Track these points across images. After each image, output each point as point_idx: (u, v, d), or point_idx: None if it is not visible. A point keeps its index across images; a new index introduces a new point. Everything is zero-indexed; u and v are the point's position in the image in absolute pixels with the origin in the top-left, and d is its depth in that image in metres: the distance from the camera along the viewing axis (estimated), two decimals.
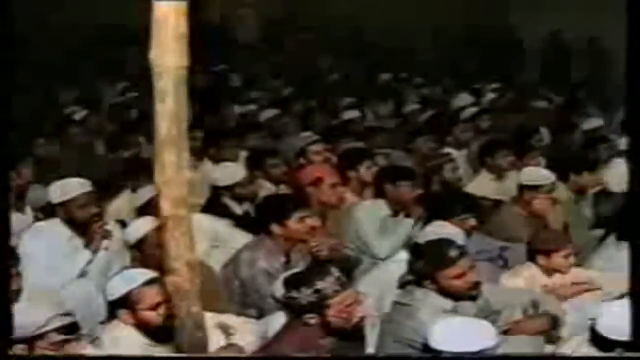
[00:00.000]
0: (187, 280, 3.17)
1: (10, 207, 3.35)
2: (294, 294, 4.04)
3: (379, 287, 4.94)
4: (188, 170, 3.13)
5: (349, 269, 5.31)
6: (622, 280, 5.11)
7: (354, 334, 4.05)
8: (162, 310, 3.91)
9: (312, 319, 4.01)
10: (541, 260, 5.13)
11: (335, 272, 4.08)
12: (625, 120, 3.46)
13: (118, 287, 4.12)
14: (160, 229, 3.20)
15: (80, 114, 9.44)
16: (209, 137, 7.87)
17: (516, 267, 5.31)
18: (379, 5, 18.31)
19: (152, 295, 3.98)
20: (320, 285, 4.00)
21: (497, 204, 6.50)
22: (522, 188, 6.22)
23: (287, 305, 4.14)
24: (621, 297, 4.76)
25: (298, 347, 3.94)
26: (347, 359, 4.02)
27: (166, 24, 3.01)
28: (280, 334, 4.12)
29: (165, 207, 3.11)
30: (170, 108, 3.05)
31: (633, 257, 3.41)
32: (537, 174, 6.33)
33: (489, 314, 4.48)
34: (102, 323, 4.58)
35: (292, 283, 4.12)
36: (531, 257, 5.20)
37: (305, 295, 4.00)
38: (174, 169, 3.07)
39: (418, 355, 4.05)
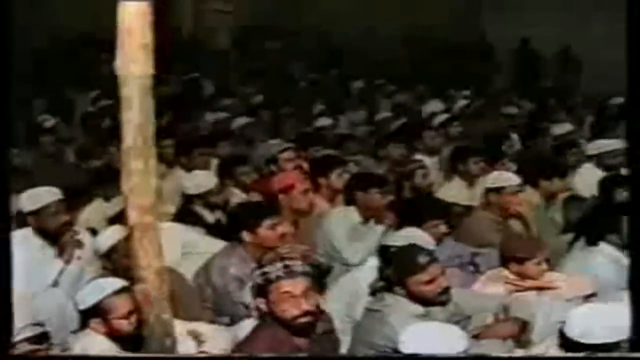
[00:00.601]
0: (155, 288, 3.18)
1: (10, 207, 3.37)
2: (252, 275, 4.14)
3: (350, 293, 4.96)
4: (155, 178, 3.13)
5: (320, 276, 5.33)
6: (589, 283, 5.20)
7: (303, 330, 4.01)
8: (133, 319, 3.91)
9: (262, 304, 4.02)
10: (513, 266, 5.16)
11: (289, 262, 4.11)
12: (626, 122, 3.49)
13: (88, 296, 4.11)
14: (128, 237, 3.21)
15: (50, 122, 9.41)
16: (180, 145, 7.87)
17: (487, 272, 5.35)
18: (351, 12, 18.38)
19: (123, 303, 3.98)
20: (267, 268, 4.05)
21: (468, 209, 6.55)
22: (487, 192, 6.28)
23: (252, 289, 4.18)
24: (588, 300, 4.84)
25: (269, 346, 3.94)
26: (345, 359, 4.02)
27: (130, 33, 3.03)
28: (251, 334, 4.13)
29: (133, 215, 3.12)
30: (135, 116, 3.07)
31: (633, 257, 3.44)
32: (501, 176, 6.39)
33: (460, 319, 4.51)
34: (75, 332, 4.57)
35: (255, 267, 4.23)
36: (504, 262, 5.23)
37: (256, 276, 4.07)
38: (141, 176, 3.08)
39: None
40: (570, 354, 3.85)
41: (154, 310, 3.22)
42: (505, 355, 4.33)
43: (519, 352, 4.54)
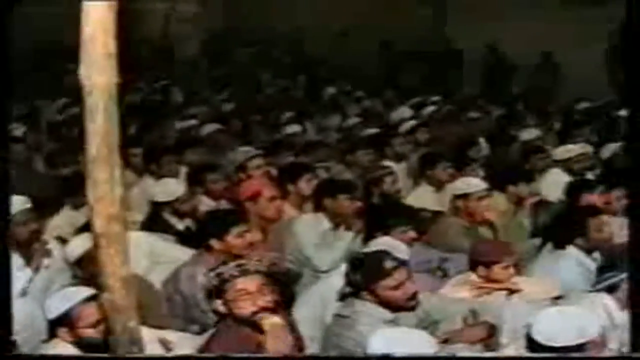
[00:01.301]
0: (122, 296, 3.19)
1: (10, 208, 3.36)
2: (205, 279, 4.21)
3: (319, 300, 4.98)
4: (121, 187, 3.14)
5: (290, 283, 5.34)
6: (557, 287, 5.25)
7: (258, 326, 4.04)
8: (100, 327, 3.90)
9: (220, 306, 4.08)
10: (481, 270, 5.20)
11: (242, 261, 4.19)
12: (627, 123, 3.53)
13: (56, 305, 4.11)
14: (94, 246, 3.21)
15: (19, 130, 9.35)
16: (149, 153, 7.85)
17: (456, 277, 5.38)
18: (320, 19, 18.42)
19: (91, 312, 3.98)
20: (221, 269, 4.11)
21: (437, 215, 6.58)
22: (455, 198, 6.32)
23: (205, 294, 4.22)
24: (556, 303, 4.89)
25: (232, 345, 3.96)
26: (343, 359, 4.03)
27: (94, 42, 3.03)
28: (212, 336, 4.15)
29: (99, 224, 3.13)
30: (100, 125, 3.08)
31: (633, 257, 3.47)
32: (467, 182, 6.44)
33: (429, 324, 4.53)
34: (44, 342, 4.55)
35: (207, 271, 4.26)
36: (472, 267, 5.27)
37: (210, 278, 4.12)
38: (106, 185, 3.09)
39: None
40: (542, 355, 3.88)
41: (120, 318, 3.23)
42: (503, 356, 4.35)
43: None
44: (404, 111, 10.86)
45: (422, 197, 6.75)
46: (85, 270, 4.90)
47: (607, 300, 4.67)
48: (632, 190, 3.45)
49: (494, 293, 5.13)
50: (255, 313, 4.01)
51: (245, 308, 4.02)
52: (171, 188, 6.34)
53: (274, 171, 7.06)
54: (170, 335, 4.45)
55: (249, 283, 4.06)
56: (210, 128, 9.42)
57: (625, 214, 3.55)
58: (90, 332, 3.99)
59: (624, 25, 3.37)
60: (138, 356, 3.76)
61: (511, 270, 5.21)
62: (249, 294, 4.03)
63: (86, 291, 4.09)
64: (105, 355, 3.84)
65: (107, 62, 3.05)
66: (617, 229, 6.04)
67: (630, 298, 3.62)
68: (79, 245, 5.03)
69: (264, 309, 4.03)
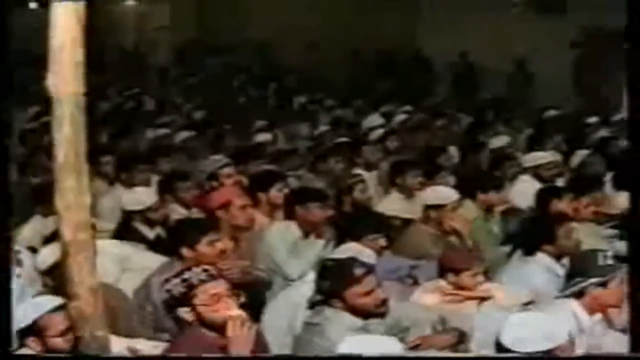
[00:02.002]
0: (90, 305, 3.19)
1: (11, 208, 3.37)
2: (168, 287, 4.14)
3: (290, 307, 4.99)
4: (89, 195, 3.15)
5: (261, 291, 5.36)
6: (526, 293, 5.29)
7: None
8: (69, 336, 3.90)
9: (187, 313, 4.06)
10: (451, 277, 5.23)
11: (207, 267, 4.18)
12: (628, 126, 3.57)
13: (25, 315, 4.10)
14: (62, 255, 3.22)
15: None
16: (121, 161, 7.84)
17: (425, 284, 5.41)
18: (290, 28, 18.45)
19: (59, 321, 3.97)
20: (187, 275, 4.10)
21: (407, 222, 6.61)
22: (427, 208, 6.35)
23: (166, 302, 4.19)
24: (525, 309, 4.92)
25: (199, 351, 3.97)
26: (342, 358, 4.05)
27: (62, 52, 3.04)
28: (176, 342, 4.15)
29: (67, 232, 3.14)
30: (67, 134, 3.09)
31: (633, 258, 3.50)
32: (440, 193, 6.47)
33: (399, 331, 4.55)
34: (14, 351, 4.53)
35: (166, 279, 4.22)
36: (441, 274, 5.30)
37: (174, 285, 4.09)
38: (74, 194, 3.10)
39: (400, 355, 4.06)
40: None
41: (88, 327, 3.23)
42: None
43: None
44: (375, 119, 10.92)
45: (392, 205, 6.78)
46: (56, 279, 4.88)
47: (575, 305, 4.71)
48: (633, 192, 3.49)
49: (465, 301, 5.16)
50: (225, 318, 4.02)
51: (218, 312, 4.02)
52: (142, 197, 6.34)
53: (245, 180, 7.06)
54: (141, 344, 4.45)
55: (220, 287, 4.08)
56: (183, 135, 9.42)
57: (626, 214, 3.60)
58: (58, 341, 3.98)
59: (626, 27, 3.40)
60: (138, 356, 3.78)
61: (480, 277, 5.24)
62: (221, 297, 4.04)
63: (55, 300, 4.09)
64: (105, 355, 3.85)
65: (74, 72, 3.06)
66: (585, 235, 6.12)
67: (630, 298, 3.65)
68: (50, 254, 5.01)
69: (232, 316, 4.04)
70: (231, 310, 4.03)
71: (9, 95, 3.31)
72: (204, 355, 3.97)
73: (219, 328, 4.03)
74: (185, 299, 4.06)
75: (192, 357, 4.01)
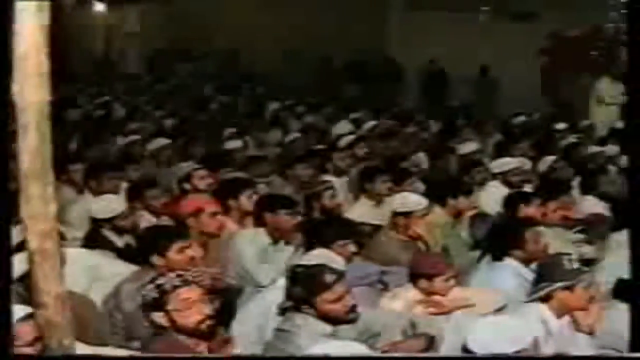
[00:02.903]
0: (56, 314, 3.18)
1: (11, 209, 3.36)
2: (143, 292, 4.17)
3: (260, 314, 4.99)
4: (54, 204, 3.15)
5: (231, 298, 5.36)
6: (495, 298, 5.32)
7: (206, 335, 4.08)
8: (38, 345, 3.89)
9: (161, 318, 4.08)
10: (422, 283, 5.25)
11: (181, 272, 4.20)
12: (626, 128, 3.62)
13: None
14: (28, 263, 3.22)
15: None
16: (90, 169, 7.81)
17: (395, 290, 5.43)
18: (262, 35, 18.46)
19: (27, 330, 3.95)
20: (161, 280, 4.12)
21: (377, 228, 6.63)
22: (396, 214, 6.38)
23: (142, 306, 4.21)
24: (495, 314, 4.96)
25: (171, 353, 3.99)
26: (341, 359, 4.05)
27: (27, 60, 3.04)
28: (152, 346, 4.16)
29: (32, 240, 3.14)
30: (32, 142, 3.08)
31: (633, 258, 3.53)
32: (409, 199, 6.49)
33: (369, 337, 4.56)
34: None
35: (143, 284, 4.24)
36: (413, 280, 5.32)
37: (148, 290, 4.12)
38: (39, 202, 3.10)
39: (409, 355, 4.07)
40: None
41: (56, 335, 3.23)
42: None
43: None
44: (344, 126, 10.96)
45: (361, 211, 6.80)
46: (27, 288, 4.85)
47: (543, 309, 4.76)
48: (633, 192, 3.51)
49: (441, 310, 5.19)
50: (201, 322, 4.05)
51: (191, 317, 4.04)
52: (111, 204, 6.32)
53: (214, 186, 7.06)
54: (111, 352, 4.43)
55: (193, 292, 4.09)
56: (154, 143, 9.40)
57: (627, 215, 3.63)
58: (27, 351, 3.97)
59: (627, 31, 3.42)
60: (138, 355, 3.77)
61: (452, 282, 5.27)
62: (194, 302, 4.06)
63: (23, 309, 4.07)
64: (109, 355, 3.85)
65: (39, 80, 3.05)
66: (553, 239, 6.17)
67: (630, 298, 3.67)
68: (20, 263, 4.98)
69: (209, 317, 4.07)
70: (204, 315, 4.04)
71: None
72: (204, 355, 3.98)
73: (192, 333, 4.04)
74: (159, 304, 4.08)
75: (192, 357, 4.00)
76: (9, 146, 3.23)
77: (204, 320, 4.06)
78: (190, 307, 4.05)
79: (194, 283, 4.16)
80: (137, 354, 4.04)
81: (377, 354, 4.39)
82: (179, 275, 4.15)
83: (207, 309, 4.09)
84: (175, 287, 4.08)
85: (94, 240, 6.12)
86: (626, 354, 3.75)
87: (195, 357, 4.00)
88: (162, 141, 9.44)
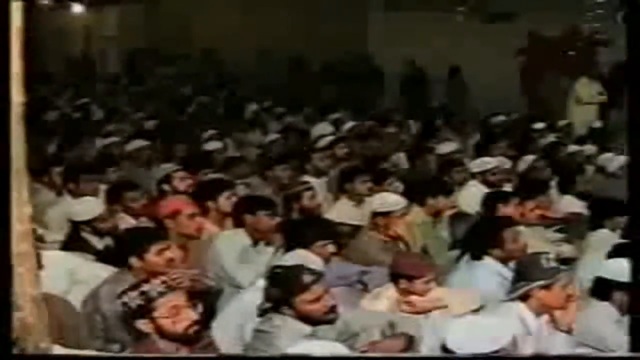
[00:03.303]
0: (33, 316, 3.18)
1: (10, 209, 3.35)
2: (124, 299, 4.12)
3: (240, 315, 4.99)
4: (29, 206, 3.14)
5: (211, 299, 5.35)
6: (474, 297, 5.34)
7: (192, 340, 4.09)
8: (15, 348, 3.87)
9: (145, 325, 4.06)
10: (403, 284, 5.25)
11: (163, 277, 4.19)
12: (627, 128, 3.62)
13: None
14: None
15: None
16: (69, 172, 7.78)
17: (375, 290, 5.44)
18: (241, 36, 18.45)
19: None
20: (145, 287, 4.10)
21: (356, 229, 6.64)
22: (375, 214, 6.40)
23: (123, 314, 4.18)
24: (474, 313, 4.98)
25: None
26: (342, 359, 4.05)
27: None
28: (135, 349, 4.14)
29: None
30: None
31: (633, 258, 3.53)
32: (388, 199, 6.51)
33: (348, 337, 4.57)
34: None
35: (123, 291, 4.20)
36: (393, 280, 5.33)
37: (132, 298, 4.08)
38: (15, 204, 3.09)
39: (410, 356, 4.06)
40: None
41: (32, 338, 3.22)
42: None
43: None
44: (324, 127, 10.97)
45: (341, 212, 6.80)
46: None
47: (522, 308, 4.78)
48: (632, 191, 3.52)
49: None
50: (188, 327, 4.05)
51: (179, 323, 4.04)
52: (90, 207, 6.30)
53: (193, 188, 7.05)
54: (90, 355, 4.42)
55: (179, 299, 4.09)
56: (133, 145, 9.37)
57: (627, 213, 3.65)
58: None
59: (628, 33, 3.44)
60: (138, 356, 3.76)
61: (432, 284, 5.28)
62: (180, 309, 4.06)
63: None
64: (106, 354, 3.83)
65: (14, 82, 3.04)
66: (531, 238, 6.20)
67: (630, 298, 3.68)
68: None
69: (196, 322, 4.08)
70: (191, 321, 4.05)
71: None
72: (203, 355, 3.97)
73: (178, 339, 4.04)
74: (144, 311, 4.06)
75: (191, 357, 3.99)
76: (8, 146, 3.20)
77: (191, 325, 4.06)
78: (178, 314, 4.04)
79: (177, 288, 4.16)
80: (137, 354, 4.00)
81: (357, 354, 4.40)
82: (163, 282, 4.13)
83: (194, 315, 4.10)
84: (161, 294, 4.06)
85: (73, 242, 6.10)
86: (626, 354, 3.76)
87: (194, 357, 3.99)
88: (140, 142, 9.41)
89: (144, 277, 4.39)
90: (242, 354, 4.15)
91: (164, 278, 4.19)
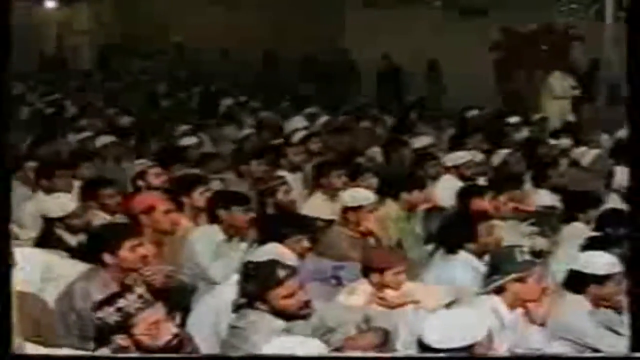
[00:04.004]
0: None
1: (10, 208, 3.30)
2: (100, 315, 4.04)
3: (214, 311, 4.97)
4: None
5: (185, 295, 5.33)
6: (449, 292, 5.35)
7: (168, 353, 4.04)
8: None
9: (123, 340, 4.00)
10: (374, 277, 5.27)
11: (139, 290, 4.10)
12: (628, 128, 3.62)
13: None
14: None
15: None
16: (42, 168, 7.73)
17: (349, 285, 5.44)
18: (215, 31, 18.41)
19: None
20: (121, 303, 4.01)
21: (331, 224, 6.64)
22: (346, 209, 6.40)
23: (99, 328, 4.11)
24: (448, 307, 4.99)
25: None
26: (345, 359, 4.02)
27: None
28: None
29: None
30: None
31: (633, 259, 3.54)
32: (358, 194, 6.52)
33: (324, 332, 4.57)
34: None
35: (98, 304, 4.12)
36: (365, 274, 5.34)
37: (108, 314, 4.00)
38: None
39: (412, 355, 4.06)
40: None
41: None
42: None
43: None
44: (299, 121, 10.95)
45: (316, 207, 6.81)
46: None
47: (496, 301, 4.80)
48: (632, 190, 3.53)
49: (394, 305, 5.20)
50: (169, 341, 3.99)
51: (160, 338, 3.98)
52: (63, 203, 6.24)
53: (167, 183, 7.02)
54: (63, 352, 4.39)
55: (158, 313, 4.02)
56: (103, 140, 9.32)
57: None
58: None
59: (628, 31, 3.44)
60: (138, 356, 3.72)
61: (403, 275, 5.29)
62: (160, 323, 3.99)
63: None
64: (107, 355, 3.79)
65: None
66: (504, 232, 6.22)
67: (630, 298, 3.69)
68: None
69: (176, 336, 4.03)
70: (172, 335, 4.00)
71: None
72: (202, 354, 3.93)
73: (159, 352, 3.99)
74: (122, 327, 3.98)
75: (190, 357, 3.98)
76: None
77: (172, 339, 4.00)
78: (158, 329, 3.97)
79: (156, 301, 4.07)
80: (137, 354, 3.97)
81: (334, 353, 4.39)
82: (140, 297, 4.03)
83: (174, 328, 4.03)
84: (139, 310, 3.98)
85: (46, 239, 6.05)
86: (626, 354, 3.77)
87: (191, 356, 3.96)
88: (108, 138, 9.34)
89: (119, 290, 4.29)
90: (240, 355, 4.11)
91: (140, 291, 4.08)
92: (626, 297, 4.16)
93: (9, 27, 3.12)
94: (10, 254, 3.35)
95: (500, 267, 4.83)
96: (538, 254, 4.99)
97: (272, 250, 4.90)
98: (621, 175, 7.69)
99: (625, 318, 4.83)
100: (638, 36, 3.34)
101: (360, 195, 6.49)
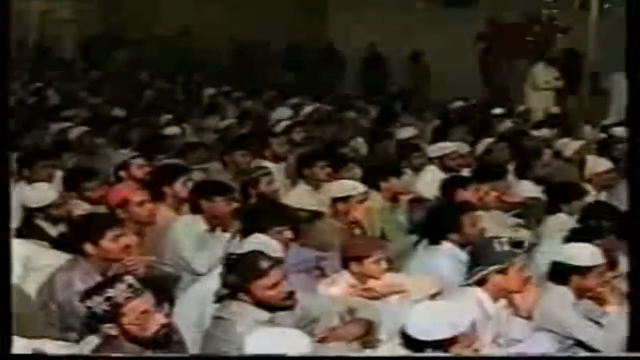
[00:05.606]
0: None
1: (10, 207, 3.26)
2: (89, 304, 4.02)
3: (198, 302, 4.94)
4: None
5: (168, 286, 5.30)
6: (433, 283, 5.35)
7: (157, 343, 4.03)
8: None
9: (111, 329, 3.98)
10: (354, 267, 5.26)
11: (129, 280, 4.07)
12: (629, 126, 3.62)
13: None
14: None
15: None
16: (23, 158, 7.67)
17: (332, 276, 5.43)
18: (199, 21, 18.36)
19: None
20: (111, 292, 3.98)
21: (315, 215, 6.61)
22: (335, 200, 6.38)
23: (87, 318, 4.10)
24: (432, 298, 4.99)
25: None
26: (350, 359, 4.01)
27: None
28: (100, 350, 4.09)
29: None
30: None
31: (633, 259, 3.54)
32: (346, 186, 6.51)
33: (308, 323, 4.56)
34: None
35: (86, 293, 4.10)
36: (345, 264, 5.33)
37: (97, 304, 3.98)
38: None
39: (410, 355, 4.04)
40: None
41: None
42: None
43: (367, 353, 4.63)
44: (283, 112, 10.93)
45: (299, 197, 6.77)
46: None
47: (480, 293, 4.79)
48: (632, 189, 3.53)
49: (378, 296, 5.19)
50: (158, 332, 3.98)
51: (149, 329, 3.97)
52: (44, 193, 6.20)
53: (146, 174, 6.97)
54: (47, 345, 4.36)
55: (147, 303, 4.00)
56: (79, 131, 9.24)
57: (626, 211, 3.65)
58: None
59: (628, 28, 3.43)
60: (138, 356, 3.70)
61: (383, 264, 5.28)
62: (149, 313, 3.97)
63: None
64: (106, 355, 3.76)
65: None
66: (488, 223, 6.22)
67: (629, 298, 3.68)
68: None
69: (165, 326, 4.01)
70: (160, 325, 3.98)
71: None
72: (185, 355, 3.90)
73: (147, 343, 3.98)
74: (111, 317, 3.97)
75: (190, 356, 3.99)
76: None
77: (160, 330, 3.99)
78: (147, 319, 3.96)
79: (145, 290, 4.04)
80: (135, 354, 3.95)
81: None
82: (129, 286, 4.00)
83: (162, 318, 4.02)
84: (129, 299, 3.96)
85: (27, 230, 6.01)
86: (626, 354, 3.77)
87: (188, 357, 3.94)
88: (83, 128, 9.27)
89: (108, 279, 4.27)
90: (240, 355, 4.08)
91: (130, 281, 4.05)
92: (626, 297, 4.16)
93: (9, 25, 3.09)
94: (11, 254, 3.32)
95: (480, 258, 4.82)
96: (521, 245, 4.97)
97: (258, 241, 4.87)
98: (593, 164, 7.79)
99: (609, 309, 4.84)
100: (638, 36, 3.34)
101: (349, 186, 6.48)
